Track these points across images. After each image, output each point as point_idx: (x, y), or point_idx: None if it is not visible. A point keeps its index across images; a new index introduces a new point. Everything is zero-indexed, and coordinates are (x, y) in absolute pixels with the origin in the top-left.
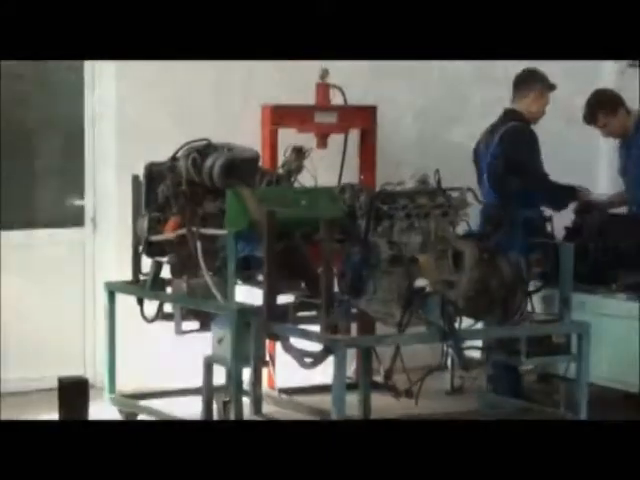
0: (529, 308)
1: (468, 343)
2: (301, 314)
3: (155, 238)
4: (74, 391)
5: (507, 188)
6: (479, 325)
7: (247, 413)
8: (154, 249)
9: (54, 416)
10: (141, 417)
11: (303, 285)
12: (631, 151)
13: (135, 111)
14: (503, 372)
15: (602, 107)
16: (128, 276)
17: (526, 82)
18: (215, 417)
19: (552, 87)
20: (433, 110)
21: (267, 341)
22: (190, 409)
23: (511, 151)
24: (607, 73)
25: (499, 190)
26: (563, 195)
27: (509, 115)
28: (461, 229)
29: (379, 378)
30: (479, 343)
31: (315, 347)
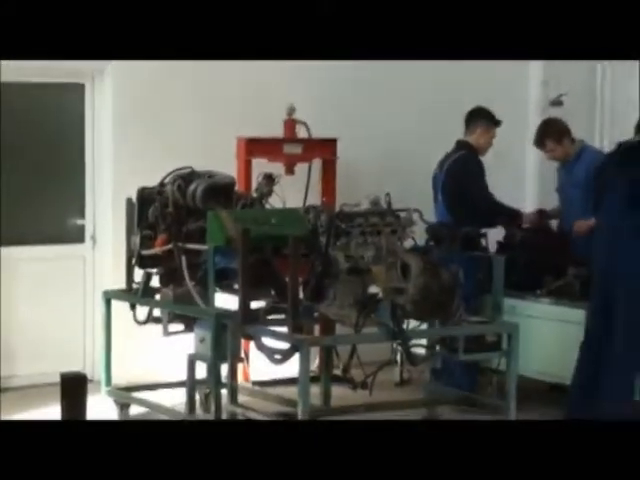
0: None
1: (414, 341)
2: (271, 317)
3: (146, 252)
4: (74, 385)
5: (456, 209)
6: (424, 326)
7: (225, 403)
8: (145, 262)
9: (57, 406)
10: (134, 407)
11: (273, 292)
12: (569, 175)
13: (129, 137)
14: (462, 367)
15: (550, 135)
16: (123, 285)
17: (475, 118)
18: (197, 407)
19: (497, 123)
20: (390, 141)
21: (242, 340)
22: (175, 400)
23: (460, 177)
24: (532, 111)
25: (451, 210)
26: (502, 215)
27: (461, 145)
28: (408, 244)
29: (338, 372)
30: (424, 341)
31: (283, 346)
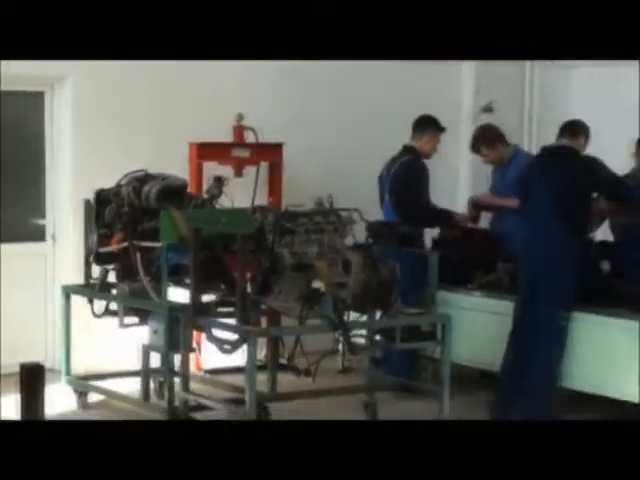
0: None
1: (355, 332)
2: (221, 310)
3: (103, 250)
4: (33, 374)
5: (402, 209)
6: (364, 317)
7: (177, 390)
8: (102, 259)
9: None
10: (91, 395)
11: (222, 287)
12: (503, 177)
13: (88, 142)
14: (399, 355)
15: (484, 140)
16: (81, 281)
17: (423, 125)
18: (152, 394)
19: (442, 130)
20: (333, 145)
21: (194, 332)
22: (131, 388)
23: (404, 180)
24: (465, 116)
25: (397, 210)
26: (434, 215)
27: (407, 150)
28: (349, 241)
29: (284, 360)
30: (364, 332)
31: (232, 336)
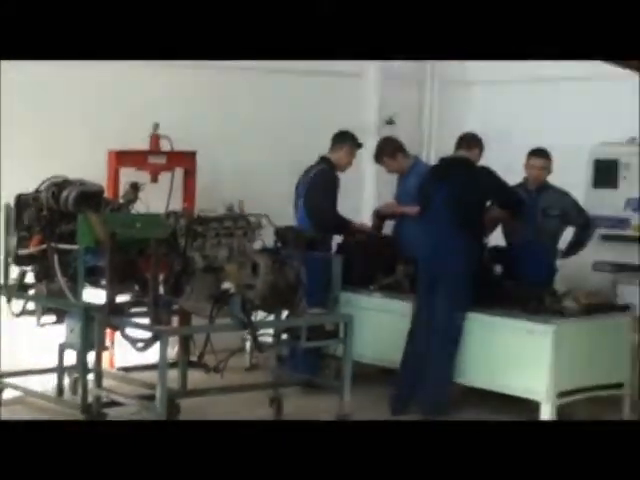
0: None
1: (262, 331)
2: (134, 310)
3: (22, 252)
4: None
5: (313, 215)
6: (271, 317)
7: (91, 387)
8: (21, 260)
9: None
10: (8, 391)
11: (136, 288)
12: (404, 186)
13: (9, 148)
14: (304, 353)
15: (386, 152)
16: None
17: (340, 139)
18: (66, 390)
19: (359, 146)
20: (246, 153)
21: (108, 330)
22: (46, 385)
23: (317, 188)
24: (369, 128)
25: (308, 216)
26: (335, 224)
27: (323, 161)
28: (258, 245)
29: (194, 358)
30: (271, 331)
31: (145, 335)
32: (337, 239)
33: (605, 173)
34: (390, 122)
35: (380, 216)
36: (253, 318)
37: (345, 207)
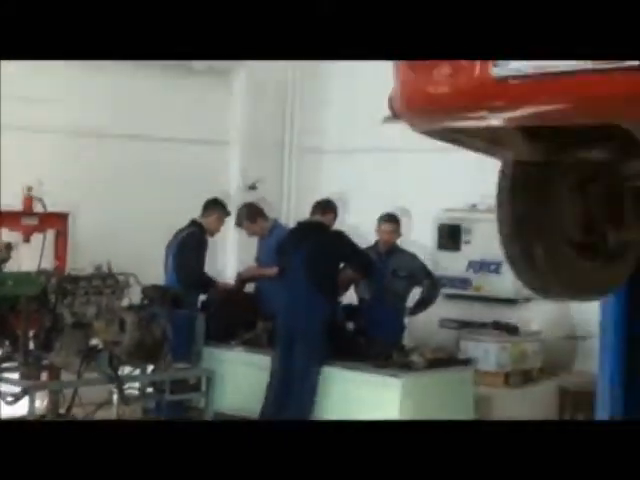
0: None
1: (128, 384)
2: (5, 365)
3: None
4: None
5: (181, 275)
6: (137, 371)
7: None
8: None
9: None
10: None
11: (7, 343)
12: (264, 248)
13: None
14: (169, 406)
15: (246, 216)
16: None
17: (211, 206)
18: None
19: (228, 214)
20: (116, 217)
21: None
22: None
23: (186, 250)
24: (233, 191)
25: (177, 275)
26: (202, 283)
27: (193, 224)
28: (125, 302)
29: (63, 411)
30: (137, 384)
31: (15, 389)
32: (202, 297)
33: (448, 237)
34: (252, 187)
35: (242, 279)
36: (120, 372)
37: (210, 267)
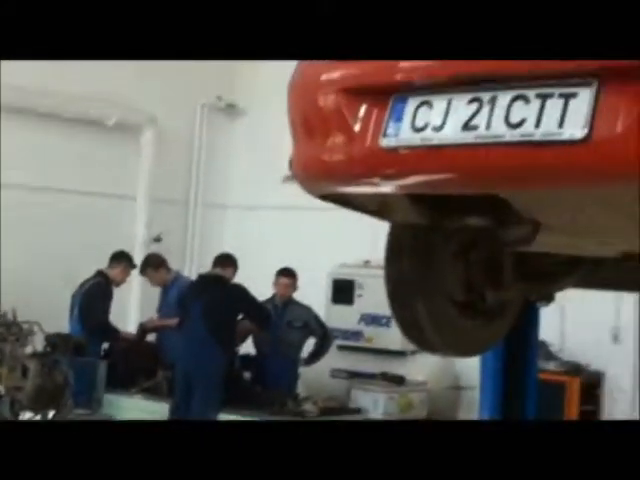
0: None
1: None
2: None
3: None
4: None
5: (86, 324)
6: (38, 417)
7: None
8: None
9: None
10: None
11: None
12: (166, 298)
13: None
14: None
15: (150, 265)
16: None
17: (118, 258)
18: None
19: (134, 266)
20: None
21: None
22: None
23: (91, 299)
24: (138, 245)
25: (82, 324)
26: (105, 332)
27: (99, 274)
28: (29, 349)
29: None
30: None
31: None
32: (104, 345)
33: (342, 291)
34: (157, 239)
35: (144, 329)
36: (21, 417)
37: (114, 317)
